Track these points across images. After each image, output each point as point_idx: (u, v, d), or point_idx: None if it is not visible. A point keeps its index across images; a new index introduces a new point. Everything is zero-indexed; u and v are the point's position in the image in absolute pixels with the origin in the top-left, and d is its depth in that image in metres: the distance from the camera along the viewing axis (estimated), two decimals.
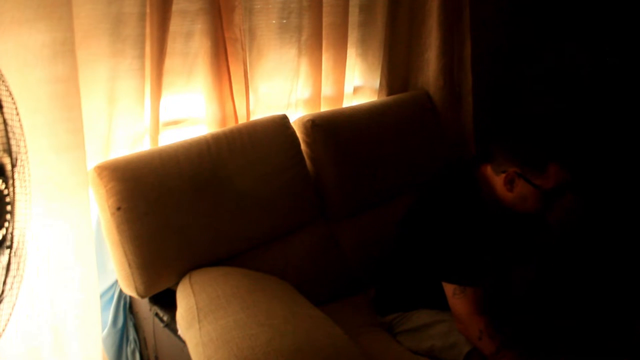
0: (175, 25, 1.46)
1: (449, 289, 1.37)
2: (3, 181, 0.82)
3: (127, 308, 1.59)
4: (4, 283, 0.84)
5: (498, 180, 1.42)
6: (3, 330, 0.87)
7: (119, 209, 1.28)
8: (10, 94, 0.84)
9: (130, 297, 1.58)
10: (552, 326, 1.47)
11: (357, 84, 2.08)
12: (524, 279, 1.56)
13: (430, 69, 2.07)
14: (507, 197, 1.41)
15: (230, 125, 1.62)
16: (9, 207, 0.83)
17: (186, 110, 1.62)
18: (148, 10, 1.38)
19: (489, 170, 1.45)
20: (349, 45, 1.90)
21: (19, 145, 0.86)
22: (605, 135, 2.27)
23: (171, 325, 1.36)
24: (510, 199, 1.41)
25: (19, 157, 0.86)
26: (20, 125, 0.87)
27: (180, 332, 1.26)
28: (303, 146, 1.67)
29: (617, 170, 2.21)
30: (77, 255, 1.25)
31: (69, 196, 1.20)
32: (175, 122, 1.61)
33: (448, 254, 1.38)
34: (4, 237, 0.82)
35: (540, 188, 1.37)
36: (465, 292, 1.34)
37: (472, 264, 1.36)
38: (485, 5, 2.26)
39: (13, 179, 0.84)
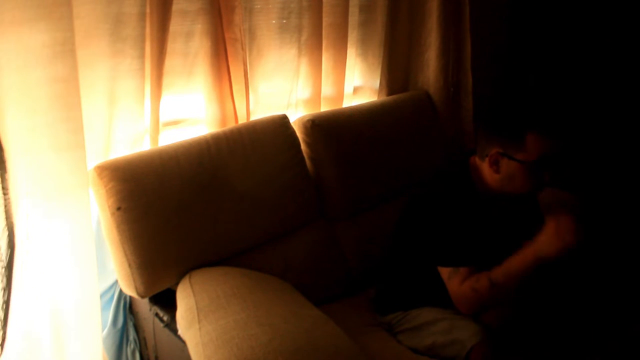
0: (175, 25, 1.46)
1: (444, 273, 1.38)
2: None
3: (127, 308, 1.59)
4: None
5: (485, 166, 1.43)
6: None
7: (119, 209, 1.28)
8: None
9: (130, 297, 1.58)
10: (551, 326, 1.47)
11: (357, 84, 2.08)
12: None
13: (430, 69, 2.08)
14: (495, 180, 1.41)
15: (230, 125, 1.62)
16: None
17: (186, 110, 1.62)
18: (148, 10, 1.38)
19: (476, 160, 1.46)
20: (349, 45, 1.90)
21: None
22: (591, 112, 2.26)
23: (171, 325, 1.36)
24: (498, 182, 1.41)
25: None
26: None
27: (180, 332, 1.26)
28: (303, 146, 1.67)
29: (612, 164, 2.20)
30: (77, 255, 1.24)
31: (69, 196, 1.20)
32: (175, 122, 1.61)
33: (442, 242, 1.39)
34: None
35: (524, 162, 1.36)
36: (459, 271, 1.36)
37: (466, 250, 1.37)
38: (485, 5, 2.26)
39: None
